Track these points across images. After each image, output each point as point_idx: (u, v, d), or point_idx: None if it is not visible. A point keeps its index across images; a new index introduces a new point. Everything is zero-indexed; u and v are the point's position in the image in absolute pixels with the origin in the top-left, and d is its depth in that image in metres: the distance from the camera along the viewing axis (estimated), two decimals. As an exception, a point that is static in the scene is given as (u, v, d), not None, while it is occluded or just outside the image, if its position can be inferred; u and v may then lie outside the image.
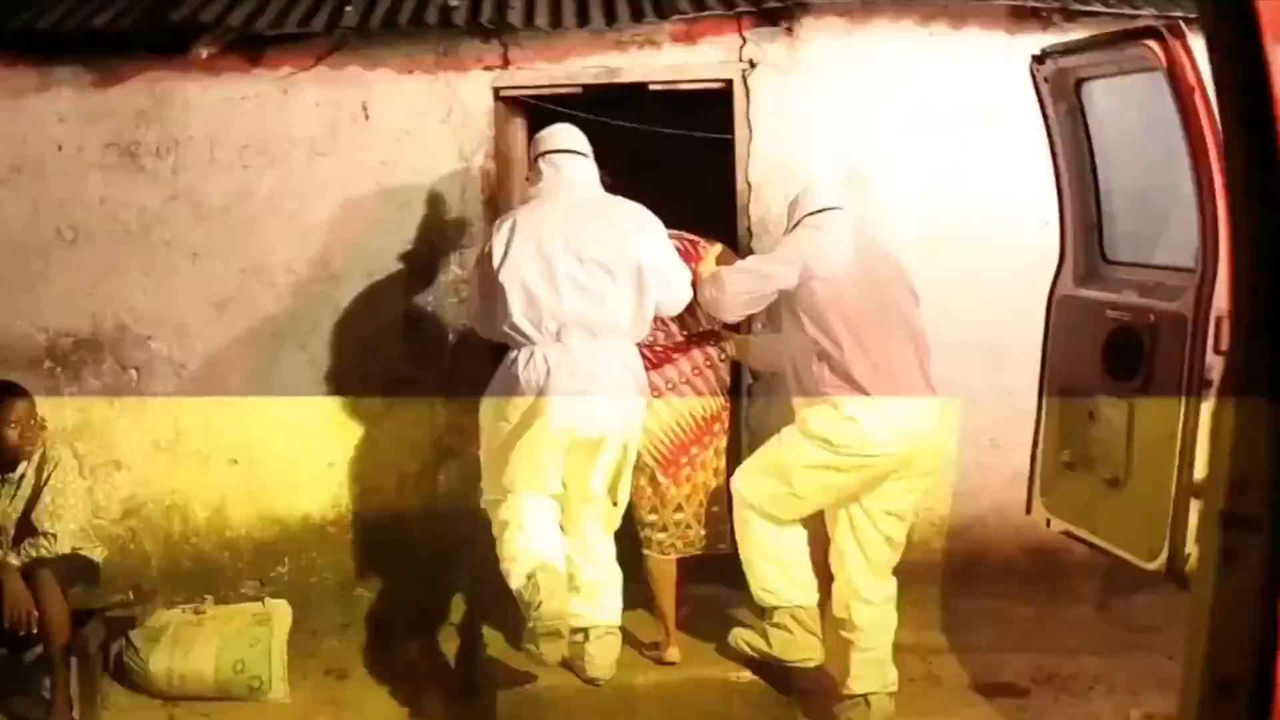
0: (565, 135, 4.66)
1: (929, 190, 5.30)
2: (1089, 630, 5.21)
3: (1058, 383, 3.95)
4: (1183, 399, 3.22)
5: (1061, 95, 3.87)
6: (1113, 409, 3.60)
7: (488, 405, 4.58)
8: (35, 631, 4.55)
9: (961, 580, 5.38)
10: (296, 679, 4.93)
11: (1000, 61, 5.12)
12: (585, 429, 4.43)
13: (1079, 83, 3.81)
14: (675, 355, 4.82)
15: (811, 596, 4.60)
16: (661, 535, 4.79)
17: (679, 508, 4.80)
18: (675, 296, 4.57)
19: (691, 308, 4.69)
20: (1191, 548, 3.15)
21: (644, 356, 4.67)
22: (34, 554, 4.65)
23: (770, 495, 4.52)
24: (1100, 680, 4.87)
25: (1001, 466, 5.28)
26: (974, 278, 5.27)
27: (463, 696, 4.90)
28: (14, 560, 4.63)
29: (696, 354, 4.83)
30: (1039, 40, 4.87)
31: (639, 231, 4.52)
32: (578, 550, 4.61)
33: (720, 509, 4.82)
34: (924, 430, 4.45)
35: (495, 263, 4.45)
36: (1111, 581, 5.19)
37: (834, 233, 4.58)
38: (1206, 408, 3.15)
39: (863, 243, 4.63)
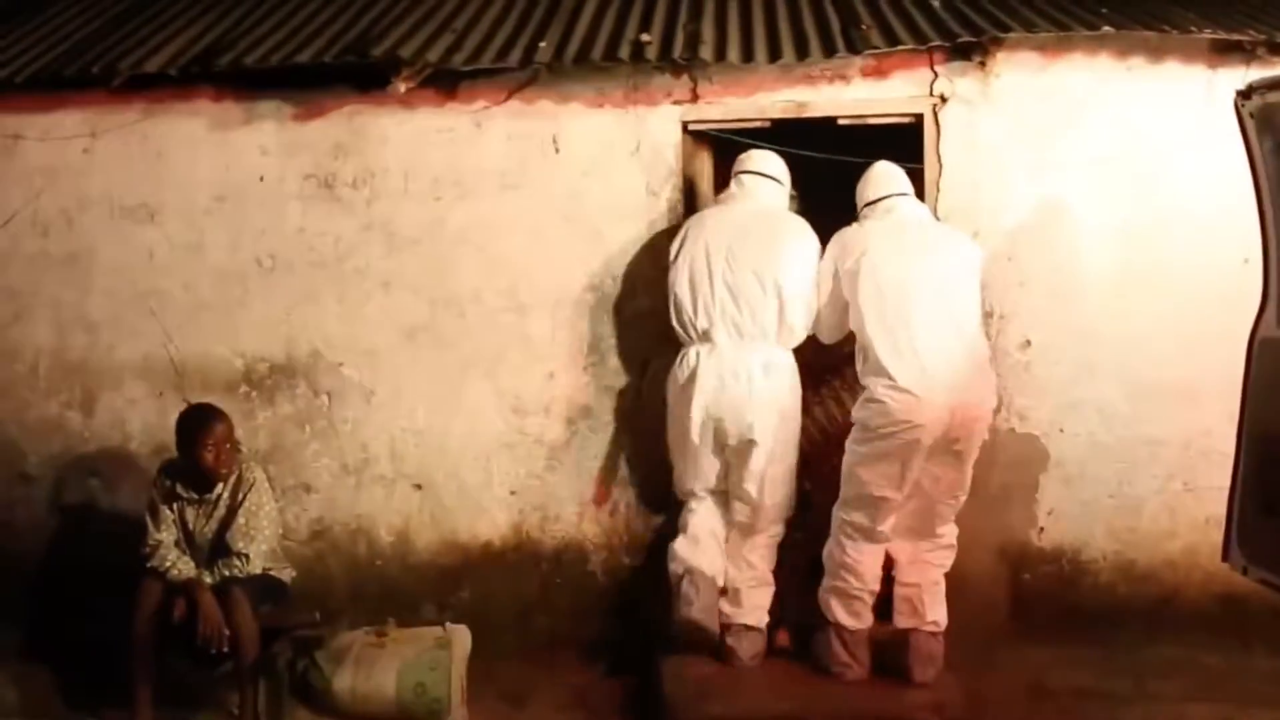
0: (757, 158, 5.16)
1: (1125, 227, 5.20)
2: (1283, 682, 5.02)
3: (1259, 427, 3.82)
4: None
5: (1268, 130, 3.77)
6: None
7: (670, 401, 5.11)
8: (227, 649, 4.65)
9: (1148, 626, 5.20)
10: (474, 704, 4.93)
11: (1200, 95, 5.07)
12: (726, 424, 4.89)
13: (1288, 118, 3.72)
14: (826, 374, 5.30)
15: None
16: (799, 535, 5.20)
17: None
18: (805, 318, 4.98)
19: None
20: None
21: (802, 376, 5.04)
22: (227, 573, 4.74)
23: (849, 504, 4.84)
24: (1293, 734, 4.69)
25: (1194, 510, 5.17)
26: (1169, 316, 5.17)
27: (639, 725, 4.91)
28: (208, 579, 4.73)
29: (848, 370, 5.10)
30: (1242, 74, 4.82)
31: (791, 246, 4.97)
32: (732, 555, 5.08)
33: None
34: (958, 401, 4.65)
35: (670, 262, 5.04)
36: (1309, 632, 5.01)
37: (870, 223, 4.94)
38: None
39: (910, 229, 4.90)
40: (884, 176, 5.01)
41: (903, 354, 4.64)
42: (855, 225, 4.97)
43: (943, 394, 4.60)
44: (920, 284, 4.72)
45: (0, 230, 5.77)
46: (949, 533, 4.93)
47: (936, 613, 4.88)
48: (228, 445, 4.86)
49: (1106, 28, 5.00)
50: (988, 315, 5.19)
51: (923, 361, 4.63)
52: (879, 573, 4.87)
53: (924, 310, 4.68)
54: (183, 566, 4.75)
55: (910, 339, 4.65)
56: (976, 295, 4.86)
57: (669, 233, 5.36)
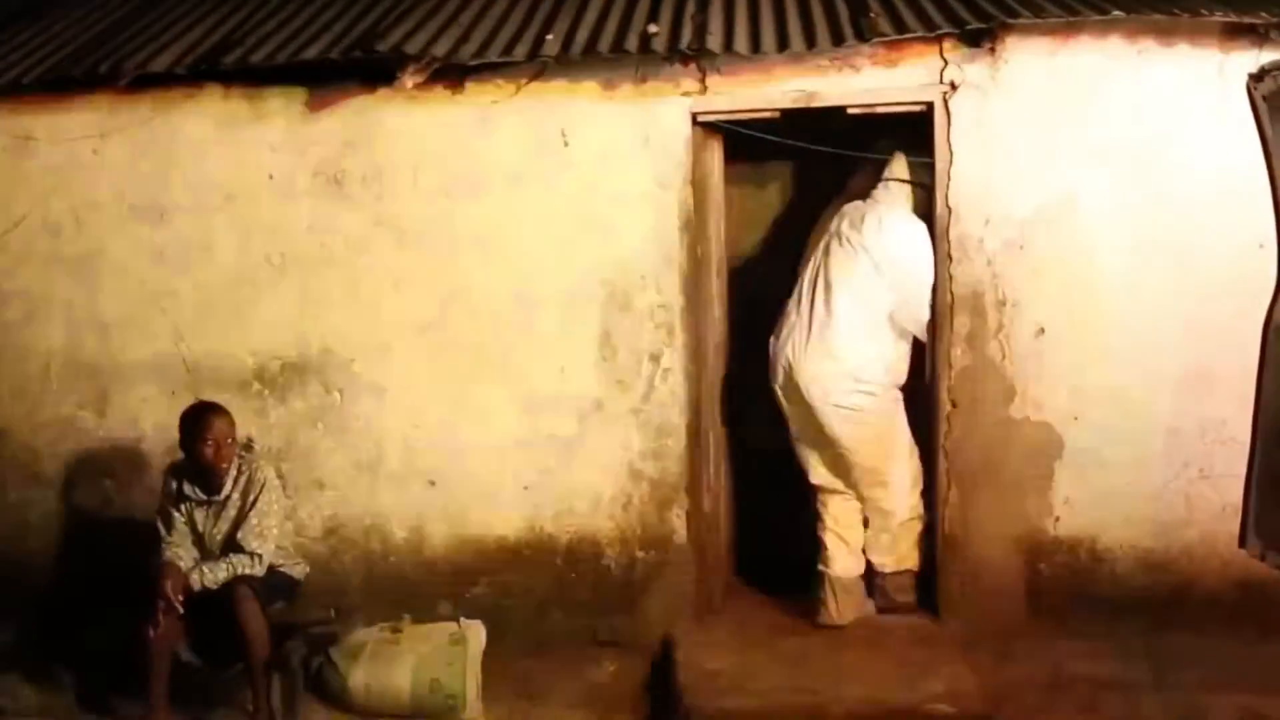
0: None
1: (1137, 212, 5.15)
2: (1303, 670, 4.98)
3: (1275, 413, 3.79)
4: None
5: (1281, 113, 3.73)
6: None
7: None
8: (213, 589, 4.64)
9: (1166, 615, 5.17)
10: (490, 700, 4.94)
11: (1212, 79, 5.02)
12: None
13: (1300, 101, 3.67)
14: None
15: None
16: None
17: None
18: None
19: None
20: None
21: None
22: (239, 571, 4.72)
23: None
24: (1314, 722, 4.65)
25: (1210, 498, 5.13)
26: (1183, 303, 5.12)
27: None
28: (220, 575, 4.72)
29: None
30: (1254, 57, 4.78)
31: None
32: None
33: None
34: (785, 365, 5.37)
35: None
36: (1328, 620, 4.97)
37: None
38: None
39: (865, 215, 5.38)
40: (889, 165, 5.51)
41: (782, 324, 5.43)
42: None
43: (782, 357, 5.37)
44: (819, 263, 5.38)
45: (11, 231, 5.77)
46: (875, 497, 5.46)
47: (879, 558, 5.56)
48: (229, 440, 4.82)
49: (1117, 12, 4.94)
50: (1000, 303, 5.20)
51: (783, 327, 5.42)
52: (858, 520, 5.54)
53: (808, 286, 5.38)
54: (182, 554, 4.76)
55: (790, 308, 5.41)
56: (876, 284, 5.28)
57: (683, 227, 5.37)
